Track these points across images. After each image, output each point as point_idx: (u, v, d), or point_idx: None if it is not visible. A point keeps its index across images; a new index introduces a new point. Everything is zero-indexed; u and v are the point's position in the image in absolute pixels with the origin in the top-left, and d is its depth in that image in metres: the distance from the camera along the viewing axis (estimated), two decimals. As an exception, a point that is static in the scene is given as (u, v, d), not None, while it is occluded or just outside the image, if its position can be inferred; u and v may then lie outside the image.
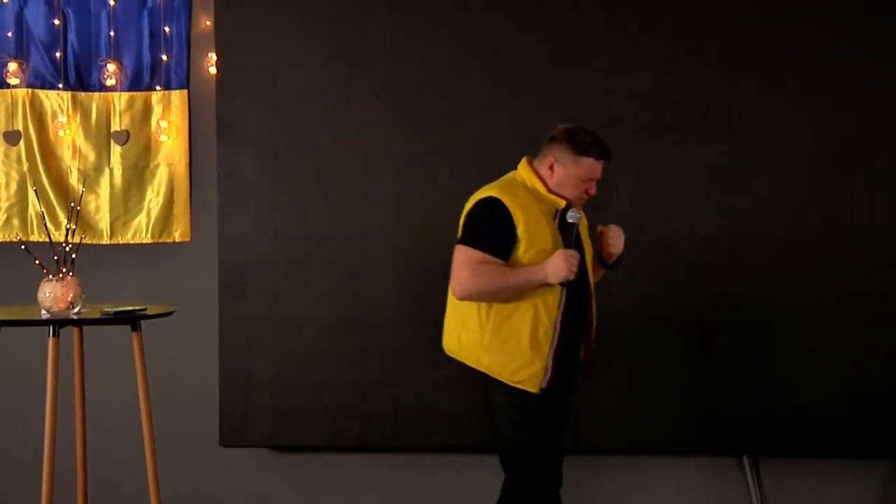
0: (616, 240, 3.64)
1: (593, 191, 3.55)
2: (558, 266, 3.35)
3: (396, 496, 4.76)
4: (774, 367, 4.38)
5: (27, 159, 4.87)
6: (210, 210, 4.70)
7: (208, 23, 4.80)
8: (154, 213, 4.84)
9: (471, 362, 3.53)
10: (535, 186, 3.52)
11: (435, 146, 4.49)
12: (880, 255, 4.34)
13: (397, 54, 4.51)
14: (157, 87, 4.84)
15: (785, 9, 4.39)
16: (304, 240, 4.54)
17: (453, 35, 4.49)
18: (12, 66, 4.86)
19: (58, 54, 4.85)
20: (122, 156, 4.85)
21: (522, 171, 3.59)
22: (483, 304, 3.45)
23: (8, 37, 4.86)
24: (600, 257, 3.69)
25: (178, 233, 4.85)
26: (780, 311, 4.39)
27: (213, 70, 4.76)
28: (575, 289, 3.44)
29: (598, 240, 3.69)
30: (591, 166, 3.49)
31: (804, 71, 4.38)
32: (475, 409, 4.43)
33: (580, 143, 3.48)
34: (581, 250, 3.53)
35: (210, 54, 4.79)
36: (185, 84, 4.83)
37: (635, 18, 4.42)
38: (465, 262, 3.42)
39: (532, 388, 3.43)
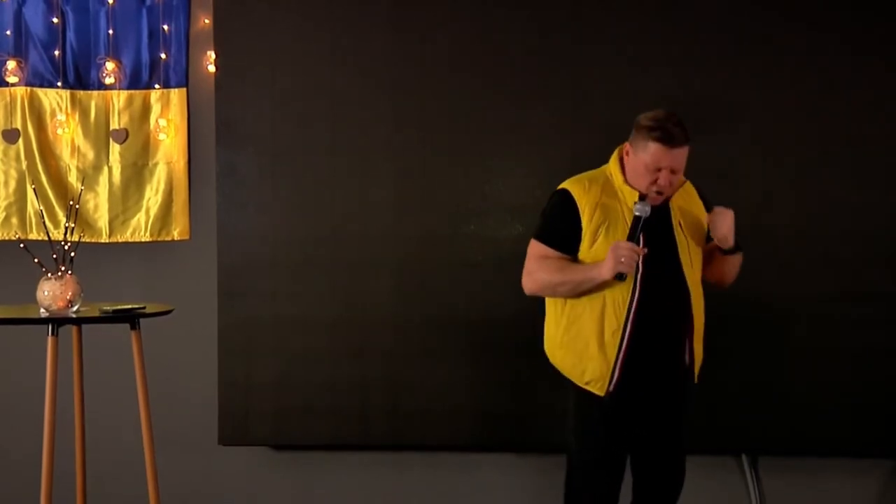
0: (717, 223, 3.36)
1: (663, 182, 3.26)
2: (608, 258, 3.19)
3: (396, 496, 4.75)
4: (774, 366, 4.38)
5: (26, 158, 4.86)
6: (209, 209, 4.70)
7: (207, 21, 4.79)
8: (153, 212, 4.83)
9: (549, 356, 3.46)
10: (613, 175, 3.35)
11: (435, 146, 4.49)
12: (880, 255, 4.34)
13: (397, 54, 4.50)
14: (156, 86, 4.82)
15: (785, 8, 4.38)
16: (304, 239, 4.54)
17: (453, 35, 4.48)
18: (11, 64, 4.84)
19: (56, 52, 4.83)
20: (120, 154, 4.84)
21: (612, 158, 3.41)
22: (559, 300, 3.38)
23: (6, 35, 4.84)
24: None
25: (177, 231, 4.84)
26: (780, 311, 4.38)
27: (212, 68, 4.75)
28: (656, 286, 3.25)
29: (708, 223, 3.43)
30: (655, 153, 3.23)
31: (804, 71, 4.37)
32: (475, 409, 4.49)
33: (645, 125, 3.25)
34: (664, 244, 3.30)
35: (209, 52, 4.78)
36: (183, 82, 4.82)
37: (635, 18, 4.41)
38: (530, 255, 3.42)
39: (598, 390, 3.30)
